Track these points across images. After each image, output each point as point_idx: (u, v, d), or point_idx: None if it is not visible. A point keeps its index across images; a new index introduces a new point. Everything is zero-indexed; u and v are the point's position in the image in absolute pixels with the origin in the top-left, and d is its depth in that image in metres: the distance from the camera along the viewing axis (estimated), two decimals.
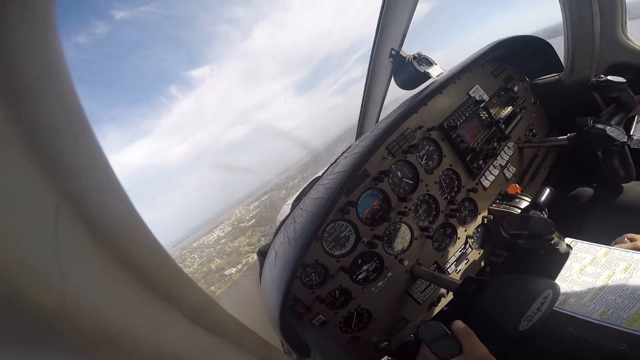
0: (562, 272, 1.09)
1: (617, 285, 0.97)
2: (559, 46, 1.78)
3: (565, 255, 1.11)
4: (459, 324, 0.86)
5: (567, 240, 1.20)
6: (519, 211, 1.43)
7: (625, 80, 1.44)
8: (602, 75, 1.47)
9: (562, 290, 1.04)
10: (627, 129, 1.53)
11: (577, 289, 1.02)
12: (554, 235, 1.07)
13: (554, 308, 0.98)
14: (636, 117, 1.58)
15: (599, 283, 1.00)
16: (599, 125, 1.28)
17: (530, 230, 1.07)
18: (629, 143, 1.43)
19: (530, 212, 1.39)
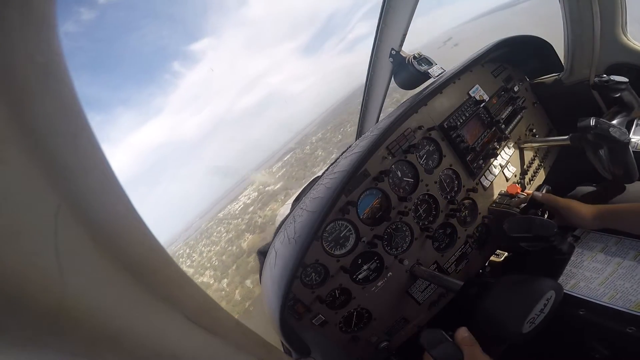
0: (574, 258, 1.11)
1: (626, 271, 0.99)
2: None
3: (569, 255, 1.10)
4: (463, 332, 0.85)
5: (578, 231, 1.20)
6: (519, 211, 1.43)
7: (627, 80, 1.43)
8: (605, 75, 1.47)
9: (573, 274, 1.07)
10: (627, 131, 1.53)
11: (587, 274, 1.05)
12: (556, 236, 1.07)
13: (564, 291, 0.99)
14: (635, 120, 1.58)
15: (609, 269, 1.03)
16: (602, 126, 1.27)
17: (533, 232, 1.06)
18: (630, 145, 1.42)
19: (529, 213, 1.39)
